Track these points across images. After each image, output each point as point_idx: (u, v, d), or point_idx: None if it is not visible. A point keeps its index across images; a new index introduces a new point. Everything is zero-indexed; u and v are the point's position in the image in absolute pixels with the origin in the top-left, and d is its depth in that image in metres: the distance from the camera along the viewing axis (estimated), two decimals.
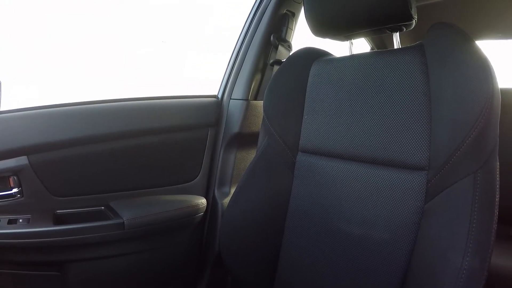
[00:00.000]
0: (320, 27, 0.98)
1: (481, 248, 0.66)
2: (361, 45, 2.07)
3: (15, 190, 1.08)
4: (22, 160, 1.07)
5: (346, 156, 0.91)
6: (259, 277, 1.02)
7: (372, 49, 2.16)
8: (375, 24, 0.91)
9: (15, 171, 1.07)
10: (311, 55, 1.05)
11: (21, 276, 1.11)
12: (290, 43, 1.43)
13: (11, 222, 1.06)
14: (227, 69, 1.45)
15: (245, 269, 1.03)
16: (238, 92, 1.39)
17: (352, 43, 1.05)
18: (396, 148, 0.82)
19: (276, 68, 1.39)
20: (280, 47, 1.40)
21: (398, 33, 0.94)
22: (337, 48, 1.14)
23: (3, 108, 1.09)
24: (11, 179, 1.08)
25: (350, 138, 0.90)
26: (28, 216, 1.08)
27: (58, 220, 1.12)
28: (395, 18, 0.87)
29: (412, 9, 0.84)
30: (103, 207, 1.20)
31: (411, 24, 0.89)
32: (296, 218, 0.98)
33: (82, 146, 1.15)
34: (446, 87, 0.75)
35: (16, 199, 1.08)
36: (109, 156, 1.20)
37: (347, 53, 1.04)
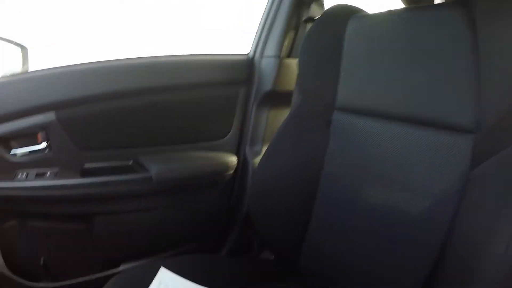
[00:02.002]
0: None
1: None
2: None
3: (43, 144, 1.08)
4: (50, 116, 1.06)
5: (385, 115, 0.84)
6: (288, 238, 0.99)
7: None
8: None
9: (43, 127, 1.06)
10: (346, 12, 0.98)
11: (49, 228, 1.13)
12: (322, 1, 1.35)
13: (39, 175, 1.07)
14: (258, 27, 1.38)
15: (274, 230, 1.00)
16: (271, 50, 1.33)
17: None
18: (440, 107, 0.74)
19: (309, 25, 1.32)
20: (313, 4, 1.32)
21: None
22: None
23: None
24: (39, 135, 1.07)
25: (390, 96, 0.83)
26: (56, 169, 1.09)
27: (86, 173, 1.12)
28: None
29: None
30: (131, 161, 1.19)
31: None
32: (330, 180, 0.93)
33: (109, 101, 1.13)
34: (498, 44, 0.67)
35: (45, 153, 1.08)
36: (137, 112, 1.18)
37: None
